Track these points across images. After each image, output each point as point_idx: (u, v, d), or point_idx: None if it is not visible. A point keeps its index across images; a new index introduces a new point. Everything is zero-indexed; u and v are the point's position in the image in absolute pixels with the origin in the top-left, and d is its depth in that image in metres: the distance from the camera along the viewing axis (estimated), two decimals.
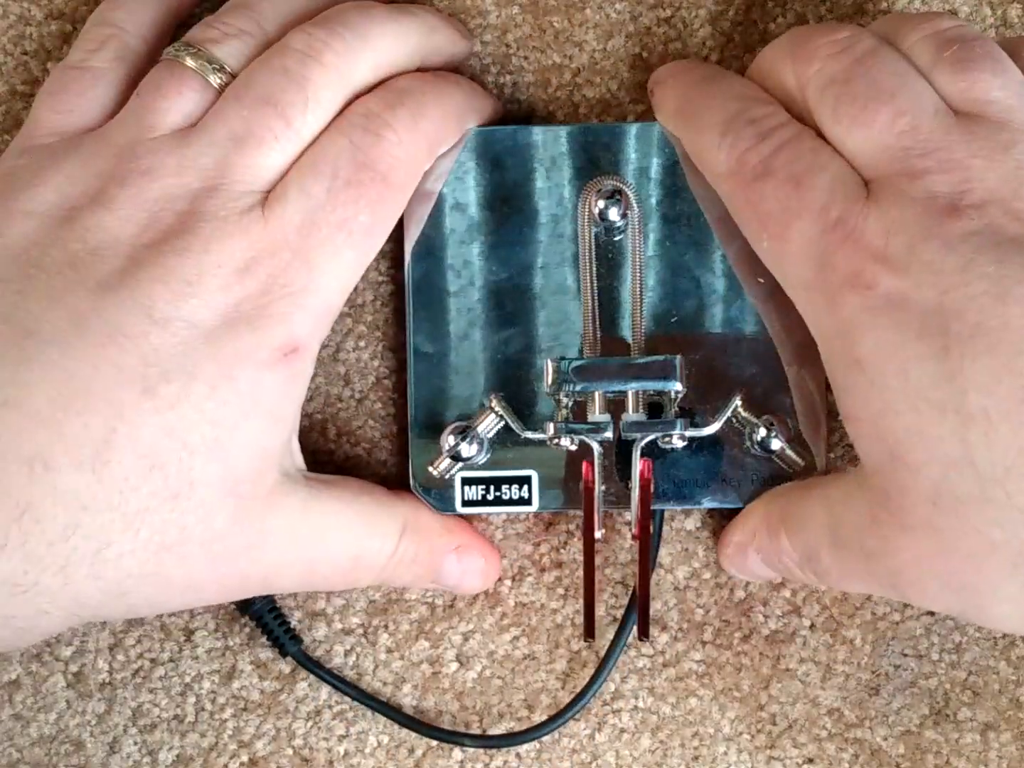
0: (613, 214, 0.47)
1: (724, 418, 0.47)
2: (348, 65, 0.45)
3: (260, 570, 0.44)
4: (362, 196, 0.43)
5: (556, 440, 0.47)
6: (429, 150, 0.47)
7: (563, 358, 0.46)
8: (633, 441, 0.47)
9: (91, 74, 0.46)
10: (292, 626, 0.51)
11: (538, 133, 0.49)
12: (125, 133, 0.44)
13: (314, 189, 0.43)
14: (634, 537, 0.47)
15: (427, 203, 0.49)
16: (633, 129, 0.49)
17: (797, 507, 0.45)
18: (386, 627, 0.52)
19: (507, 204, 0.49)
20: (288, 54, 0.44)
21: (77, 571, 0.39)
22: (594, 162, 0.49)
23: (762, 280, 0.48)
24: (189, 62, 0.44)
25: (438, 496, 0.49)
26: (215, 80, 0.44)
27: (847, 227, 0.40)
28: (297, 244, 0.42)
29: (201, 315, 0.40)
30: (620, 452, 0.48)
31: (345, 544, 0.46)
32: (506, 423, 0.48)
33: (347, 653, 0.52)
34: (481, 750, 0.51)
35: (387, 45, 0.46)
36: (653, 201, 0.49)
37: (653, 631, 0.51)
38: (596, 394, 0.46)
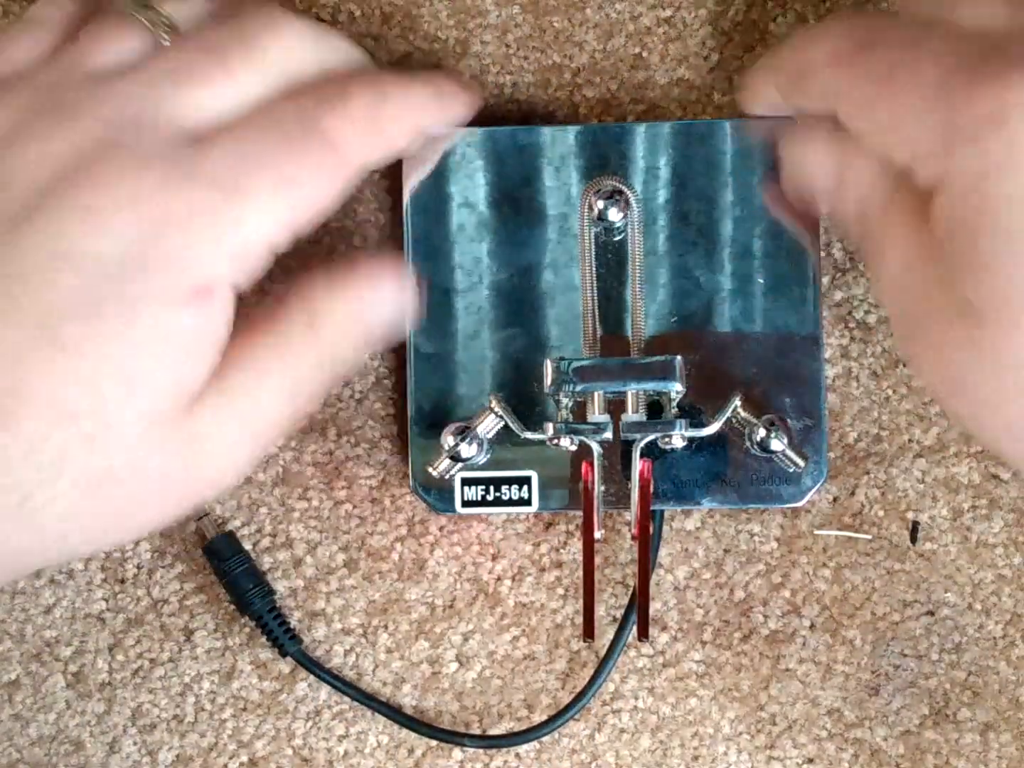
0: (613, 214, 0.47)
1: (724, 418, 0.47)
2: (306, 45, 0.44)
3: (200, 486, 0.42)
4: (305, 157, 0.41)
5: (556, 440, 0.47)
6: (387, 141, 0.45)
7: (563, 358, 0.46)
8: (633, 441, 0.47)
9: (30, 23, 0.45)
10: (292, 626, 0.51)
11: (547, 133, 0.49)
12: (55, 71, 0.42)
13: (253, 137, 0.41)
14: (634, 537, 0.47)
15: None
16: (641, 129, 0.49)
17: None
18: (386, 627, 0.52)
19: (512, 205, 0.49)
20: (246, 19, 0.43)
21: (4, 526, 0.38)
22: (601, 162, 0.49)
23: (762, 280, 0.48)
24: (137, 15, 0.43)
25: (438, 496, 0.49)
26: (163, 36, 0.43)
27: (975, 67, 0.38)
28: (223, 186, 0.40)
29: (110, 250, 0.38)
30: (620, 452, 0.48)
31: (281, 419, 0.44)
32: (506, 423, 0.48)
33: (347, 653, 0.52)
34: (481, 750, 0.51)
35: (345, 49, 0.46)
36: (657, 202, 0.49)
37: (653, 631, 0.51)
38: (596, 394, 0.46)
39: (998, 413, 0.39)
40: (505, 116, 0.52)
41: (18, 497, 0.38)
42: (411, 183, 0.49)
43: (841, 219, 0.45)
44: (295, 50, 0.44)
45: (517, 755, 0.51)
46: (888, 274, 0.42)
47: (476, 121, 0.51)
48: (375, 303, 0.45)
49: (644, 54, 0.52)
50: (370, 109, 0.43)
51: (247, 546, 0.51)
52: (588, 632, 0.47)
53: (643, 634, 0.47)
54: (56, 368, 0.38)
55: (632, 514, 0.47)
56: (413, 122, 0.45)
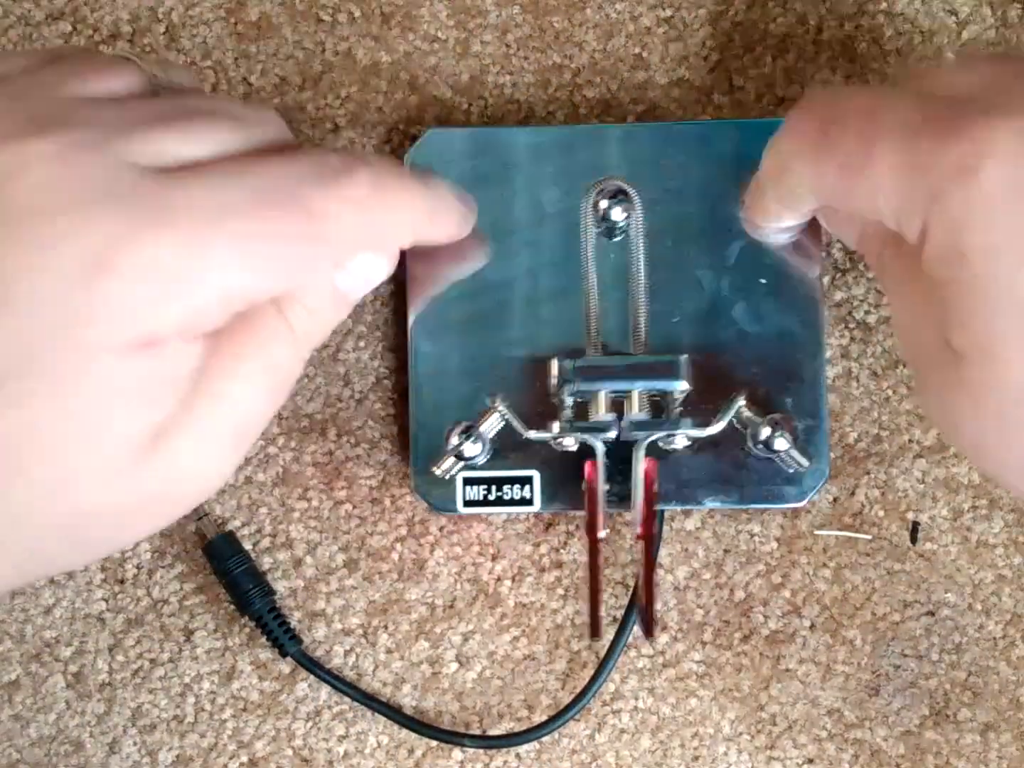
0: (616, 214, 0.47)
1: (728, 418, 0.47)
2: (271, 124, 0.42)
3: (185, 498, 0.41)
4: (281, 220, 0.38)
5: (559, 440, 0.46)
6: (376, 234, 0.42)
7: (566, 358, 0.46)
8: (632, 442, 0.47)
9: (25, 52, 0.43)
10: (292, 626, 0.51)
11: (544, 134, 0.49)
12: (35, 84, 0.39)
13: (230, 188, 0.38)
14: (638, 537, 0.47)
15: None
16: (638, 129, 0.49)
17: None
18: (386, 627, 0.51)
19: (512, 205, 0.49)
20: (249, 111, 0.42)
21: None
22: (599, 162, 0.49)
23: (763, 281, 0.48)
24: (130, 56, 0.41)
25: (439, 496, 0.49)
26: (154, 76, 0.41)
27: (941, 122, 0.39)
28: (181, 236, 0.36)
29: (51, 294, 0.35)
30: (622, 452, 0.48)
31: (262, 418, 0.41)
32: (508, 423, 0.48)
33: (347, 653, 0.52)
34: (481, 750, 0.51)
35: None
36: (658, 202, 0.49)
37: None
38: (599, 394, 0.46)
39: (994, 452, 0.40)
40: (505, 116, 0.52)
41: None
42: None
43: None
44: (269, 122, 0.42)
45: (517, 755, 0.51)
46: (895, 318, 0.43)
47: (476, 121, 0.51)
48: (352, 270, 0.42)
49: (644, 54, 0.52)
50: (367, 193, 0.40)
51: (247, 546, 0.51)
52: (594, 631, 0.47)
53: (649, 632, 0.47)
54: (7, 423, 0.36)
55: (635, 514, 0.46)
56: (407, 221, 0.43)
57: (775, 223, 0.48)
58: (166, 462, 0.39)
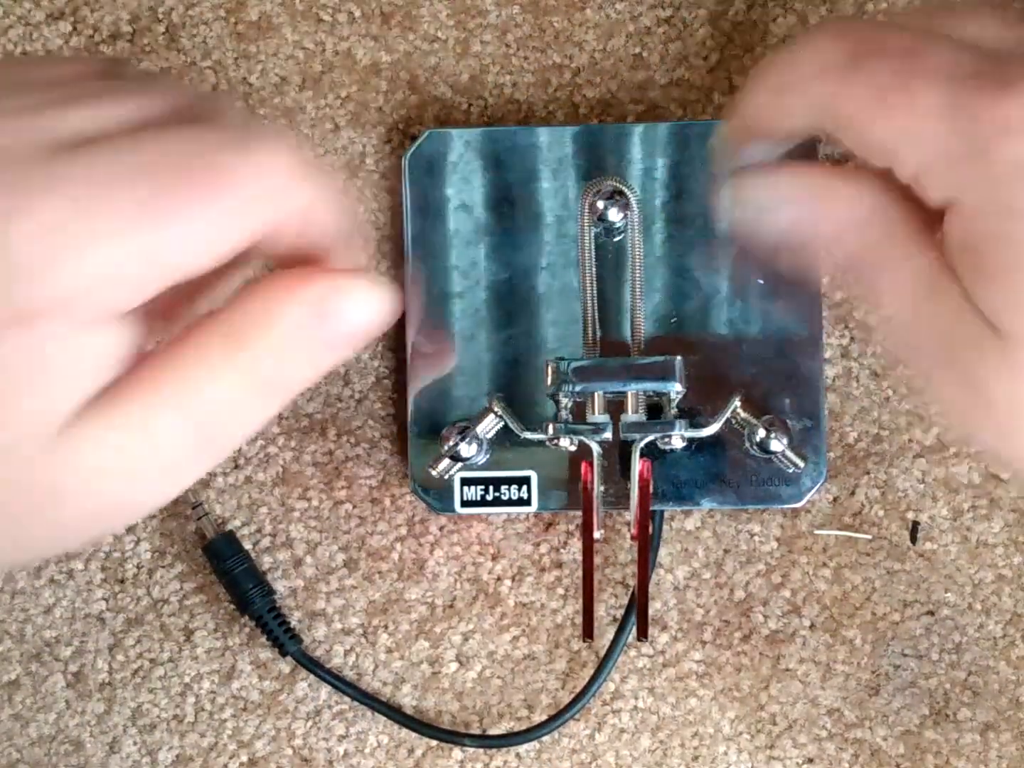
0: (613, 215, 0.47)
1: (723, 419, 0.47)
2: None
3: (110, 509, 0.38)
4: (187, 185, 0.35)
5: (555, 441, 0.47)
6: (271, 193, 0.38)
7: (562, 359, 0.46)
8: (632, 442, 0.47)
9: None
10: (292, 626, 0.51)
11: (544, 134, 0.49)
12: None
13: (123, 154, 0.36)
14: (633, 537, 0.47)
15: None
16: (638, 129, 0.49)
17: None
18: (386, 627, 0.52)
19: (512, 205, 0.49)
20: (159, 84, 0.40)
21: None
22: (601, 162, 0.49)
23: (761, 281, 0.48)
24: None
25: (437, 496, 0.49)
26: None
27: (990, 76, 0.37)
28: (77, 200, 0.35)
29: None
30: (620, 453, 0.48)
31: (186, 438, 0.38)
32: (506, 423, 0.48)
33: (347, 653, 0.52)
34: (481, 750, 0.51)
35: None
36: (657, 202, 0.49)
37: (653, 631, 0.51)
38: (596, 395, 0.46)
39: None
40: (505, 116, 0.52)
41: None
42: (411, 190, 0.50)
43: (826, 262, 0.42)
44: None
45: (517, 755, 0.51)
46: (903, 304, 0.41)
47: (476, 121, 0.51)
48: (340, 311, 0.37)
49: (644, 54, 0.52)
50: (293, 165, 0.37)
51: (247, 546, 0.51)
52: (587, 632, 0.47)
53: (642, 634, 0.47)
54: None
55: (631, 514, 0.47)
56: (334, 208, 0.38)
57: (748, 144, 0.43)
58: (76, 456, 0.36)
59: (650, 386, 0.46)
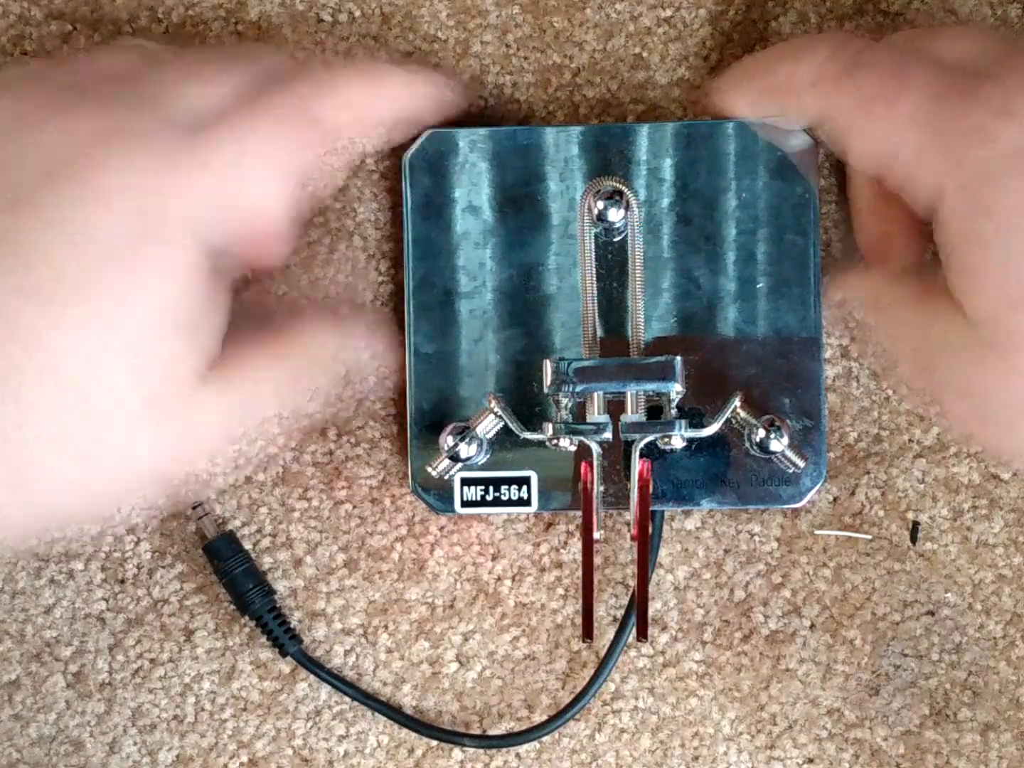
0: (613, 215, 0.47)
1: (723, 419, 0.47)
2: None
3: (180, 463, 0.44)
4: (295, 136, 0.44)
5: (555, 441, 0.46)
6: (375, 123, 0.47)
7: (562, 359, 0.46)
8: (633, 442, 0.47)
9: None
10: (292, 626, 0.51)
11: (550, 133, 0.49)
12: (71, 70, 0.45)
13: (249, 123, 0.43)
14: (633, 538, 0.47)
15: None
16: (644, 129, 0.49)
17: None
18: (386, 627, 0.52)
19: (514, 203, 0.49)
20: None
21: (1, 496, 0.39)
22: (602, 162, 0.49)
23: (761, 282, 0.48)
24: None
25: (437, 496, 0.49)
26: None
27: (960, 88, 0.40)
28: (221, 169, 0.42)
29: (110, 228, 0.40)
30: (620, 453, 0.48)
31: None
32: (505, 424, 0.48)
33: (347, 653, 0.52)
34: (481, 750, 0.51)
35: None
36: (660, 202, 0.49)
37: (653, 631, 0.51)
38: (596, 395, 0.46)
39: None
40: (505, 116, 0.52)
41: (17, 468, 0.39)
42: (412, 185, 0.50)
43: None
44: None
45: (517, 755, 0.51)
46: (897, 311, 0.45)
47: (476, 122, 0.51)
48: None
49: (644, 54, 0.52)
50: (361, 97, 0.46)
51: (247, 546, 0.51)
52: (587, 632, 0.47)
53: (642, 634, 0.47)
54: (61, 344, 0.39)
55: (632, 514, 0.47)
56: (400, 105, 0.48)
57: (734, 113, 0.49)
58: (187, 413, 0.42)
59: (650, 386, 0.46)
